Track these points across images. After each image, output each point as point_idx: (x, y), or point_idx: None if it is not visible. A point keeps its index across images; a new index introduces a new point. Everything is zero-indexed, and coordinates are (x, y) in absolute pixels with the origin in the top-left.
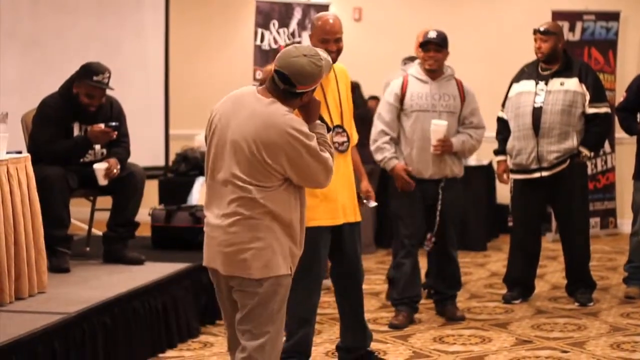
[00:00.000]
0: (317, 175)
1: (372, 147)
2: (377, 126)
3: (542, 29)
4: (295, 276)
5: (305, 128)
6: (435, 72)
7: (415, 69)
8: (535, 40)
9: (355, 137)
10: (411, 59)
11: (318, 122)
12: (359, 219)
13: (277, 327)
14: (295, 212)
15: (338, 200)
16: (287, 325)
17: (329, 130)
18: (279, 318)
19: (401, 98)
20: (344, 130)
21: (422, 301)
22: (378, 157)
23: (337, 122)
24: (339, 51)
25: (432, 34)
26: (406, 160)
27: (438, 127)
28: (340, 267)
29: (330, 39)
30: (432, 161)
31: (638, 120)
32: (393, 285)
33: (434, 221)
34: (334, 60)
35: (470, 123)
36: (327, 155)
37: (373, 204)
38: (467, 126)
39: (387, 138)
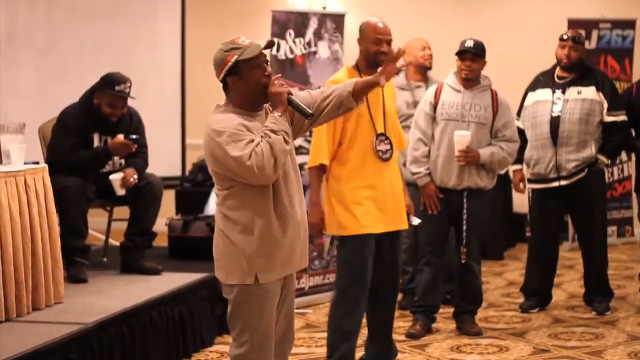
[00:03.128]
0: (239, 171)
1: (410, 157)
2: (415, 134)
3: (576, 37)
4: (342, 288)
5: (220, 125)
6: (470, 82)
7: (451, 78)
8: (564, 47)
9: (404, 143)
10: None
11: (276, 114)
12: (403, 226)
13: (258, 339)
14: (255, 219)
15: (382, 209)
16: (329, 340)
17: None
18: (258, 329)
19: (434, 105)
20: (387, 139)
21: (440, 310)
22: (414, 168)
23: (380, 130)
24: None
25: (469, 43)
26: (431, 166)
27: (461, 137)
28: (377, 275)
29: (382, 39)
30: (456, 171)
31: None
32: (405, 292)
33: (462, 232)
34: (382, 63)
35: (503, 136)
36: (243, 152)
37: (417, 221)
38: (499, 139)
39: (425, 149)
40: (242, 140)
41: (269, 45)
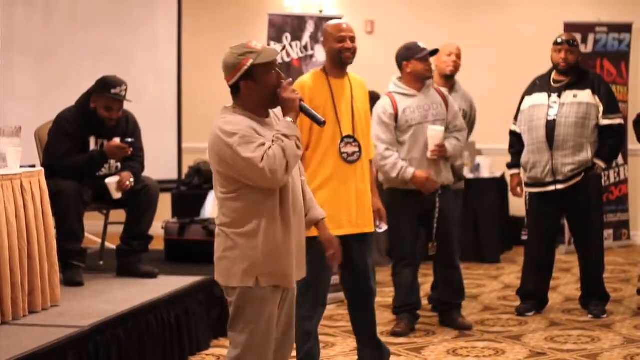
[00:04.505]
0: (249, 173)
1: (385, 167)
2: (379, 147)
3: (571, 40)
4: (301, 289)
5: (230, 127)
6: (421, 83)
7: (397, 85)
8: (560, 51)
9: (372, 152)
10: None
11: (288, 119)
12: (369, 230)
13: (256, 341)
14: (259, 222)
15: (341, 211)
16: (295, 339)
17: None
18: (257, 331)
19: (395, 115)
20: (355, 141)
21: (434, 313)
22: (393, 173)
23: (347, 132)
24: (354, 51)
25: (422, 44)
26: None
27: (436, 132)
28: (349, 279)
29: (346, 37)
30: (432, 170)
31: None
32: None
33: (432, 229)
34: (350, 61)
35: (454, 127)
36: (255, 154)
37: (383, 228)
38: (451, 130)
39: (396, 154)
40: (253, 142)
41: (282, 49)
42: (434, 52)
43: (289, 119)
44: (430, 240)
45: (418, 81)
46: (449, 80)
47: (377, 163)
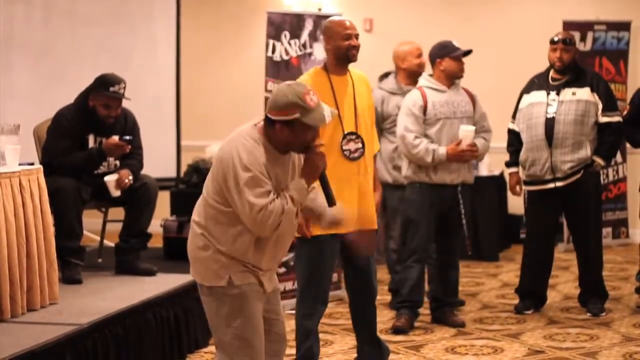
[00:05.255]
0: (240, 210)
1: (419, 154)
2: (408, 137)
3: (567, 39)
4: (303, 287)
5: (247, 160)
6: (450, 81)
7: (429, 80)
8: (555, 50)
9: (376, 147)
10: (386, 75)
11: (303, 183)
12: (371, 227)
13: (243, 344)
14: (239, 234)
15: (352, 208)
16: (295, 337)
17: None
18: (241, 333)
19: (425, 108)
20: (358, 137)
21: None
22: (428, 158)
23: (350, 129)
24: (359, 48)
25: (457, 44)
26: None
27: (468, 132)
28: (351, 277)
29: (352, 34)
30: (455, 167)
31: None
32: (396, 292)
33: (462, 225)
34: (355, 58)
35: (482, 127)
36: (257, 200)
37: None
38: (478, 130)
39: (425, 140)
40: (261, 187)
41: (332, 116)
42: (468, 52)
43: (305, 183)
44: (465, 237)
45: (449, 79)
46: (417, 79)
47: (408, 152)
